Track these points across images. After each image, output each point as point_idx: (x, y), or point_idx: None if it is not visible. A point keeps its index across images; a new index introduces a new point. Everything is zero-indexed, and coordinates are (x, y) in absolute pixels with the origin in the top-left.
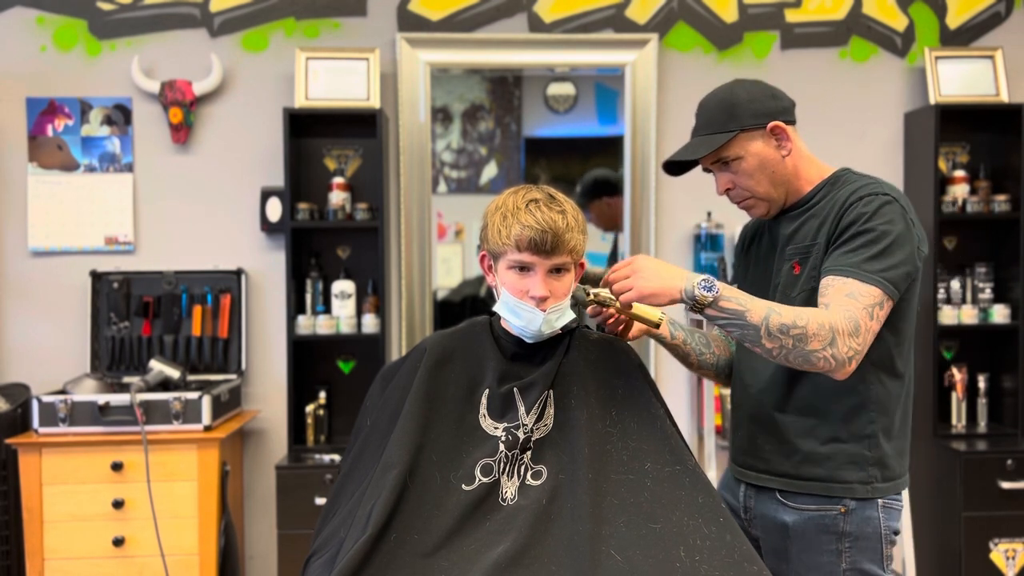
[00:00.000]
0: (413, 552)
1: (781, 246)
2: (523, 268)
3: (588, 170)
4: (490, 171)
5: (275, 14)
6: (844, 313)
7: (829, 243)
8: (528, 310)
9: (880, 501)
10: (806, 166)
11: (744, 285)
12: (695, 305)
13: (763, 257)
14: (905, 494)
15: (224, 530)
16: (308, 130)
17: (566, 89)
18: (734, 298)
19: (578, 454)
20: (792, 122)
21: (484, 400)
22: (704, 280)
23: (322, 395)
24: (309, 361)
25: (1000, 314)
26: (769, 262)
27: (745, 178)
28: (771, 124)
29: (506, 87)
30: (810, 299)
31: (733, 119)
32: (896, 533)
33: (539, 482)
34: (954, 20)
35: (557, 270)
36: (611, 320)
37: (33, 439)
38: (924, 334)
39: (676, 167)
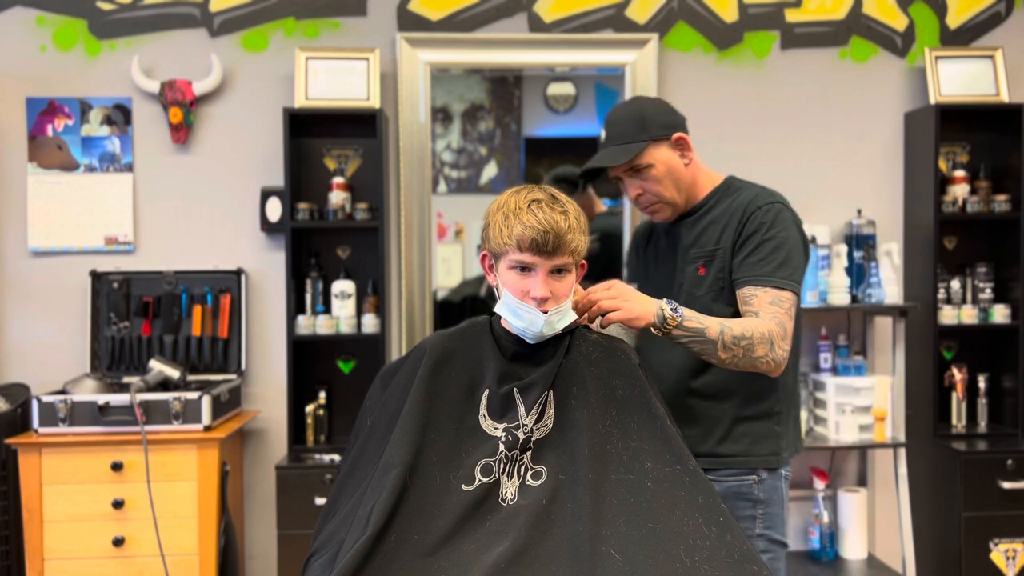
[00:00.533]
0: (413, 552)
1: (683, 249)
2: (524, 268)
3: None
4: (490, 171)
5: (275, 14)
6: (774, 320)
7: (734, 248)
8: (529, 311)
9: (783, 471)
10: (701, 174)
11: (645, 285)
12: (664, 326)
13: (662, 259)
14: (904, 488)
15: (224, 530)
16: (308, 130)
17: (566, 89)
18: (693, 317)
19: (578, 454)
20: (687, 133)
21: (484, 400)
22: (670, 303)
23: (322, 395)
24: (309, 361)
25: (1000, 314)
26: (670, 264)
27: (654, 184)
28: (676, 135)
29: (506, 87)
30: (718, 299)
31: (644, 130)
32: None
33: (539, 482)
34: (954, 20)
35: (558, 271)
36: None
37: (33, 439)
38: (924, 334)
39: (589, 174)
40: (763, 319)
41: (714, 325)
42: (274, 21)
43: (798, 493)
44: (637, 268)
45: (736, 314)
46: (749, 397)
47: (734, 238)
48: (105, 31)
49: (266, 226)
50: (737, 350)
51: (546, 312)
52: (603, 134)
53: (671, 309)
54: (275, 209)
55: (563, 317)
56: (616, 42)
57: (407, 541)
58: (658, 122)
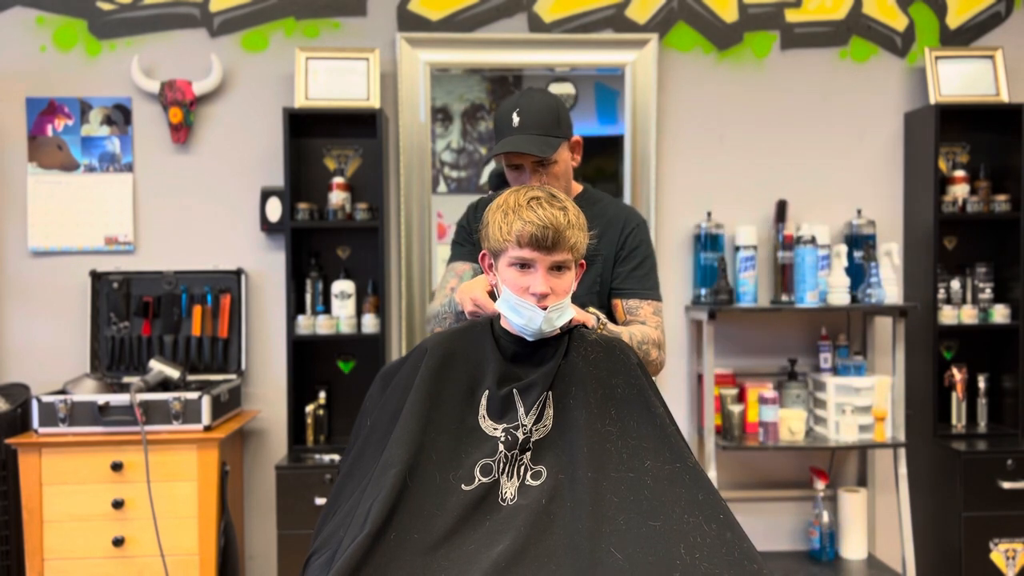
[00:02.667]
0: (412, 551)
1: None
2: (524, 265)
3: (588, 170)
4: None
5: (275, 14)
6: (659, 329)
7: (616, 258)
8: (529, 308)
9: None
10: (571, 180)
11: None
12: (595, 329)
13: None
14: (904, 488)
15: (224, 530)
16: (308, 130)
17: (566, 89)
18: (609, 323)
19: (577, 453)
20: None
21: (484, 401)
22: (594, 310)
23: (322, 395)
24: (309, 361)
25: (1000, 314)
26: None
27: (554, 180)
28: (576, 137)
29: (506, 87)
30: (592, 299)
31: (559, 126)
32: None
33: (539, 482)
34: (954, 20)
35: (558, 267)
36: None
37: (33, 439)
38: (924, 334)
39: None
40: (650, 327)
41: (624, 331)
42: (274, 21)
43: (798, 493)
44: (467, 248)
45: (608, 315)
46: None
47: (616, 248)
48: (105, 31)
49: (266, 226)
50: (640, 352)
51: (545, 308)
52: (516, 118)
53: (597, 318)
54: (275, 209)
55: (562, 314)
56: (616, 42)
57: (407, 540)
58: (567, 121)
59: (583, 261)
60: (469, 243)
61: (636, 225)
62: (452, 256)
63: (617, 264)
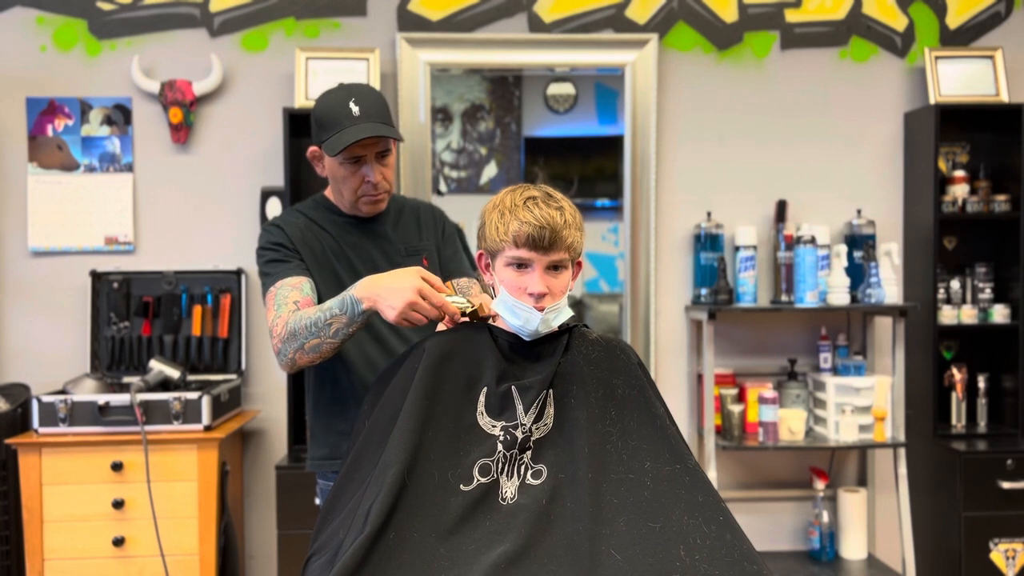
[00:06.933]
0: (413, 551)
1: (385, 242)
2: (521, 265)
3: (588, 170)
4: (490, 171)
5: (275, 14)
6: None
7: (438, 247)
8: (525, 309)
9: None
10: None
11: (348, 275)
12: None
13: (359, 250)
14: (904, 488)
15: (224, 530)
16: (308, 130)
17: (566, 89)
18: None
19: (578, 453)
20: None
21: (482, 398)
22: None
23: None
24: None
25: (1000, 314)
26: (367, 252)
27: (390, 172)
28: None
29: (506, 87)
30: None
31: (392, 120)
32: None
33: (539, 481)
34: (954, 20)
35: (555, 267)
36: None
37: (33, 439)
38: (924, 334)
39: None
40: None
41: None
42: (274, 21)
43: (798, 493)
44: (295, 263)
45: None
46: None
47: (436, 238)
48: (105, 31)
49: None
50: None
51: (542, 309)
52: (355, 108)
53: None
54: (275, 209)
55: (559, 314)
56: (616, 42)
57: (406, 539)
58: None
59: (580, 261)
60: (297, 257)
61: (441, 212)
62: (276, 275)
63: (441, 250)
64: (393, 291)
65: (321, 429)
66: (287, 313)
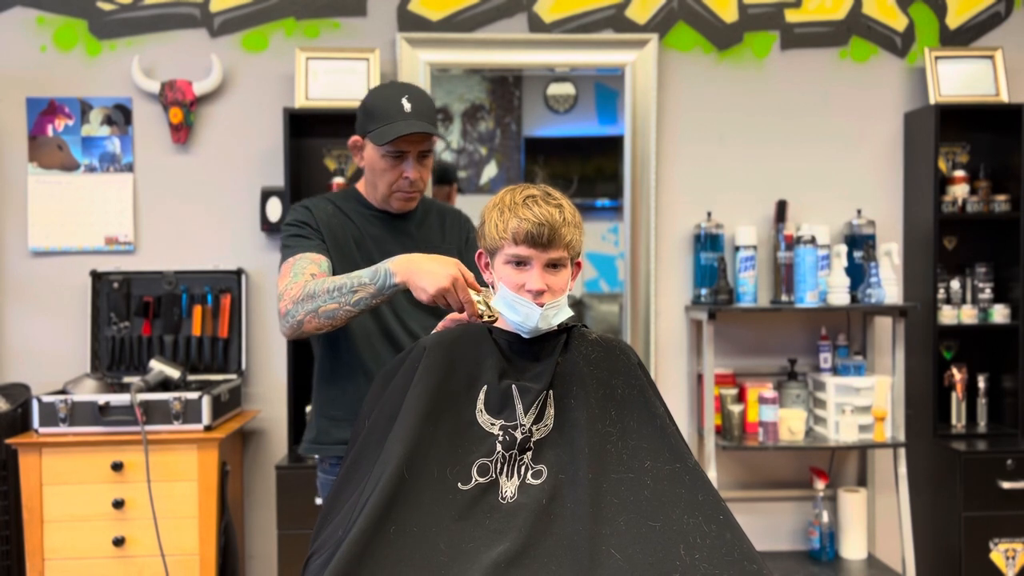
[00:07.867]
0: (412, 547)
1: (407, 238)
2: (520, 262)
3: (588, 170)
4: (490, 171)
5: (275, 14)
6: None
7: (460, 250)
8: (525, 305)
9: None
10: None
11: (366, 266)
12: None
13: (383, 242)
14: (904, 488)
15: (224, 530)
16: (308, 130)
17: (566, 89)
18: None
19: (578, 453)
20: None
21: (482, 396)
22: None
23: None
24: (309, 361)
25: (1000, 314)
26: (387, 246)
27: (427, 174)
28: (435, 136)
29: (506, 87)
30: None
31: (437, 119)
32: None
33: (539, 481)
34: (954, 20)
35: (554, 265)
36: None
37: (33, 439)
38: (924, 334)
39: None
40: None
41: None
42: (274, 21)
43: (798, 493)
44: (317, 242)
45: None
46: None
47: (459, 243)
48: (105, 31)
49: (266, 226)
50: None
51: (542, 306)
52: (408, 104)
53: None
54: (275, 209)
55: (559, 312)
56: (616, 42)
57: (406, 534)
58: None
59: (579, 260)
60: (319, 238)
61: (468, 218)
62: (297, 247)
63: (463, 256)
64: (430, 274)
65: (315, 413)
66: (304, 280)
